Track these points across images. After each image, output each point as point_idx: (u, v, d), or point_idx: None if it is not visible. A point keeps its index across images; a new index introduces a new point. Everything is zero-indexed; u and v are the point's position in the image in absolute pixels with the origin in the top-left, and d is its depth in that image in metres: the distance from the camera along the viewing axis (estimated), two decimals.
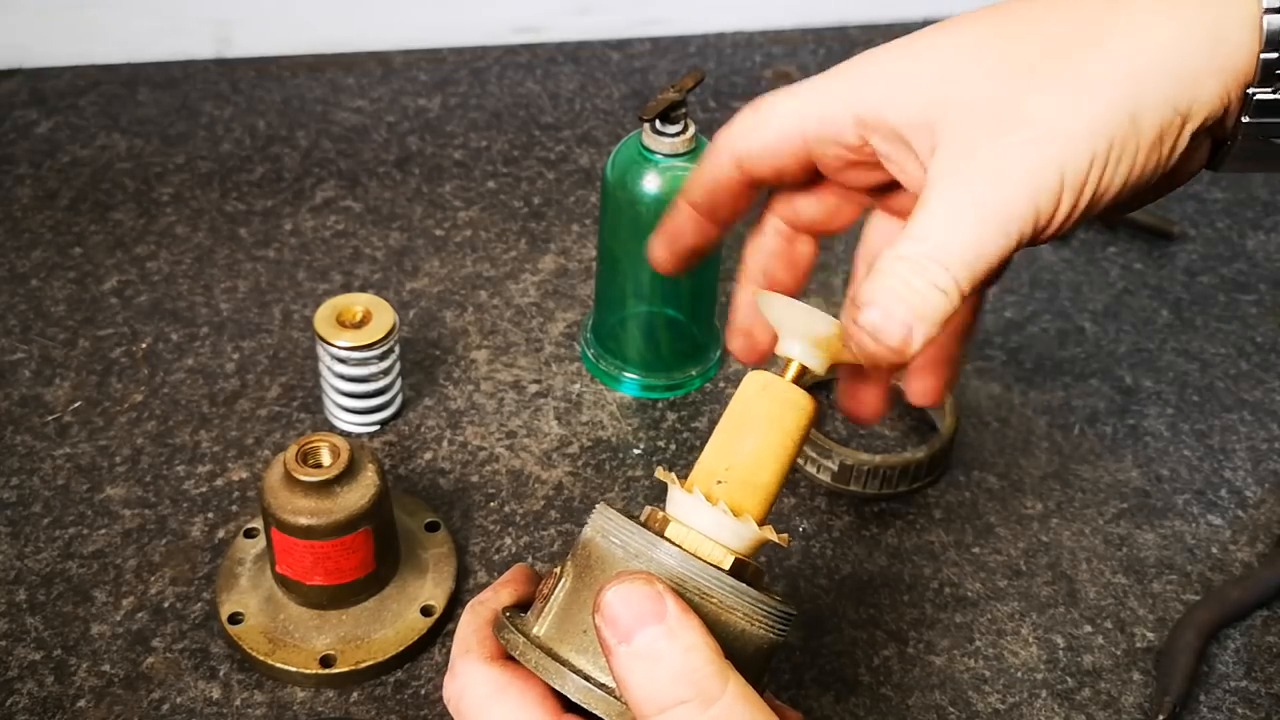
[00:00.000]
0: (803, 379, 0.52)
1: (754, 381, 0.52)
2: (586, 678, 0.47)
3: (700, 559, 0.48)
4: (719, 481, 0.50)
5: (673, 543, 0.48)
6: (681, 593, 0.47)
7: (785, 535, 0.51)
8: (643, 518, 0.51)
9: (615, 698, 0.46)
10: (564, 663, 0.48)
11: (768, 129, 0.53)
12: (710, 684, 0.44)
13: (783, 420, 0.51)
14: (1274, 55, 0.47)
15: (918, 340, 0.47)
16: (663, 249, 0.58)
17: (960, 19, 0.50)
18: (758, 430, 0.51)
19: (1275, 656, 0.73)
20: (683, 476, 0.51)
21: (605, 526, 0.49)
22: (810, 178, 0.55)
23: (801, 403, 0.51)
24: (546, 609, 0.50)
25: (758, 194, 0.56)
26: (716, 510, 0.49)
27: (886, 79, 0.50)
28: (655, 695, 0.44)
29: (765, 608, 0.48)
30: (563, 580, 0.50)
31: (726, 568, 0.49)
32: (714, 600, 0.47)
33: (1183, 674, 0.69)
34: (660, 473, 0.52)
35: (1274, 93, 0.47)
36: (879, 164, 0.52)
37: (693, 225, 0.57)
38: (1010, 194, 0.47)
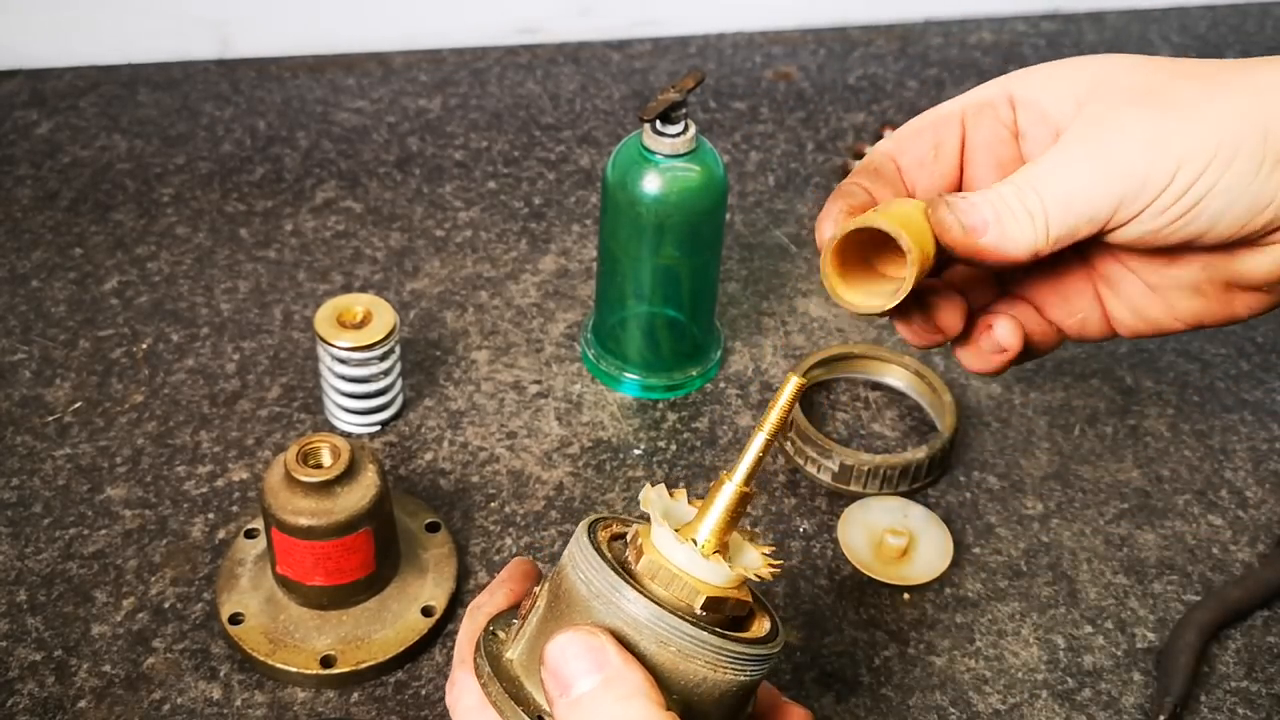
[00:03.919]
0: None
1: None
2: (540, 717, 0.48)
3: (664, 604, 0.47)
4: None
5: (640, 582, 0.48)
6: (637, 640, 0.47)
7: (770, 569, 0.50)
8: (628, 537, 0.50)
9: None
10: (523, 700, 0.48)
11: (932, 110, 0.58)
12: None
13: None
14: None
15: (993, 235, 0.51)
16: (838, 212, 0.55)
17: (1114, 55, 0.56)
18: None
19: (1276, 657, 0.73)
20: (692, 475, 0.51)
21: (576, 557, 0.49)
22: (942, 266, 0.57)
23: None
24: (521, 632, 0.50)
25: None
26: (686, 547, 0.48)
27: (1046, 73, 0.56)
28: None
29: (728, 654, 0.47)
30: (537, 605, 0.50)
31: (697, 606, 0.48)
32: (672, 649, 0.47)
33: (1183, 674, 0.69)
34: (644, 496, 0.51)
35: None
36: (1017, 146, 0.56)
37: (860, 192, 0.56)
38: (1126, 152, 0.50)
